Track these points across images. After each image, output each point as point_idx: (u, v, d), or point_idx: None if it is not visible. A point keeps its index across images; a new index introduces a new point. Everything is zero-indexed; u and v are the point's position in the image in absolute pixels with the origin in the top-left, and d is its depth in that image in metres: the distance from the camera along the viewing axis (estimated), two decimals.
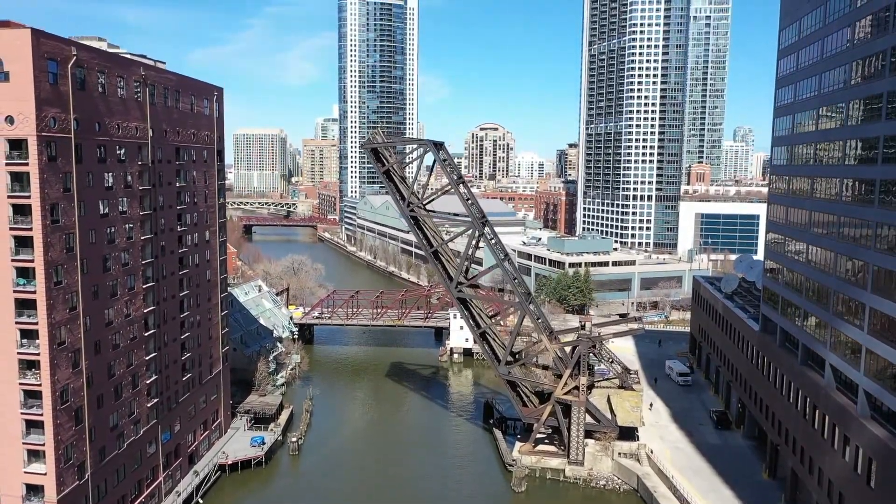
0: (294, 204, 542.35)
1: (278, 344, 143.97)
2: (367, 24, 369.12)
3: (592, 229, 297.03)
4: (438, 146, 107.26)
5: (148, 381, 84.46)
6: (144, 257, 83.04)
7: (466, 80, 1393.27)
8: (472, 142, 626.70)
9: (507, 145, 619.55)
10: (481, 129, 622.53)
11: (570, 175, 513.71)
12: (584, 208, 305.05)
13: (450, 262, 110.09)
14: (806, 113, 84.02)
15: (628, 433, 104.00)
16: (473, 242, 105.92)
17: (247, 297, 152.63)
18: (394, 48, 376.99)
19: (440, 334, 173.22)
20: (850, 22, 71.08)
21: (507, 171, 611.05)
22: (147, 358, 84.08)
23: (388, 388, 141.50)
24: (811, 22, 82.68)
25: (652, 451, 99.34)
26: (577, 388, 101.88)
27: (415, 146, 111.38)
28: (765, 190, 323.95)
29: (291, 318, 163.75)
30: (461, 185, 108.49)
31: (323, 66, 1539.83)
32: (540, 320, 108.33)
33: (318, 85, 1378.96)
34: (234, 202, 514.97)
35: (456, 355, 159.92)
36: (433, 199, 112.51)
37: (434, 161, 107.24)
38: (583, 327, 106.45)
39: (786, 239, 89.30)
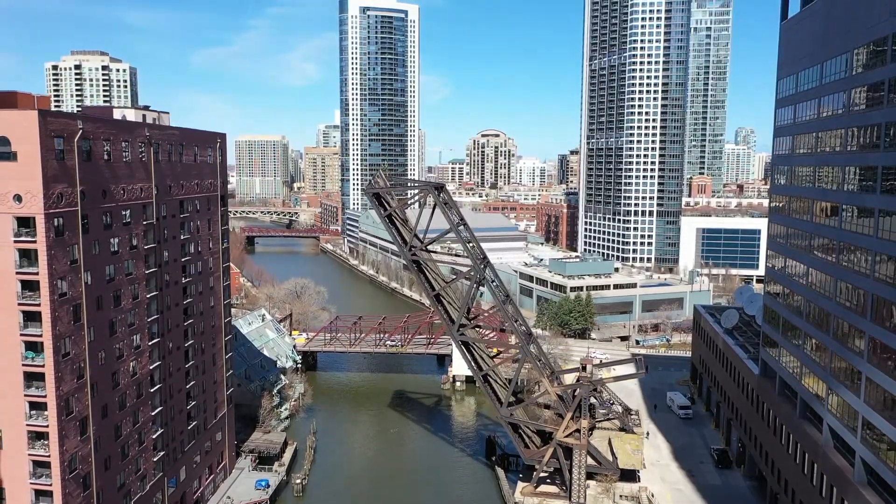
0: (296, 213, 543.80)
1: (282, 376, 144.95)
2: (369, 36, 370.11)
3: (594, 244, 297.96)
4: (439, 189, 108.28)
5: (154, 436, 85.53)
6: (150, 314, 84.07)
7: (468, 81, 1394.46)
8: (474, 148, 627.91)
9: (509, 152, 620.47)
10: (483, 135, 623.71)
11: (571, 182, 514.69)
12: (586, 223, 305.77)
13: (451, 305, 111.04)
14: (803, 169, 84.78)
15: (630, 474, 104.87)
16: (474, 287, 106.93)
17: (250, 327, 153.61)
18: (395, 60, 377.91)
19: (443, 359, 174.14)
20: (846, 88, 71.84)
21: (508, 177, 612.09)
22: (153, 413, 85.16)
23: (390, 419, 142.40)
24: (808, 78, 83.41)
25: (653, 495, 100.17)
26: (578, 430, 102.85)
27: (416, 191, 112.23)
28: (766, 202, 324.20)
29: (295, 346, 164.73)
30: (462, 227, 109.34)
31: (325, 67, 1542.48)
32: (541, 361, 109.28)
33: (319, 86, 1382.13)
34: (237, 211, 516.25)
35: (459, 383, 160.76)
36: (435, 241, 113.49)
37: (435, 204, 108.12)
38: (584, 368, 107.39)
39: (784, 289, 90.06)
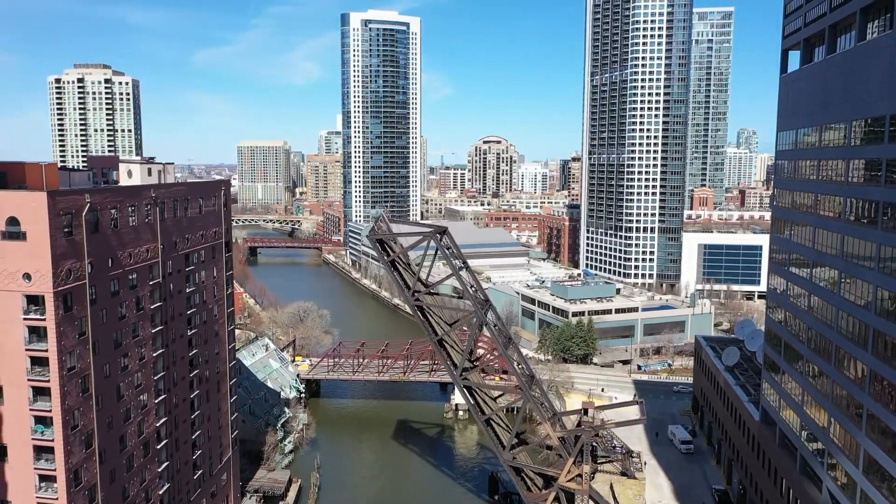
0: (298, 221, 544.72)
1: (286, 409, 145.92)
2: (371, 49, 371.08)
3: (596, 259, 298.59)
4: (441, 234, 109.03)
5: (161, 492, 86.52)
6: (157, 372, 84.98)
7: (470, 82, 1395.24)
8: (476, 155, 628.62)
9: (511, 158, 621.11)
10: (484, 142, 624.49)
11: (573, 188, 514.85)
12: (588, 238, 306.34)
13: (454, 349, 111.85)
14: (803, 228, 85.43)
15: None
16: (476, 331, 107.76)
17: (254, 358, 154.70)
18: (397, 73, 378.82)
19: (445, 386, 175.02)
20: (844, 157, 72.50)
21: (510, 184, 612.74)
22: (160, 469, 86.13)
23: (393, 452, 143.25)
24: (807, 137, 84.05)
25: None
26: (580, 475, 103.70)
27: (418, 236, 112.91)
28: (767, 214, 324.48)
29: (298, 375, 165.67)
30: (464, 270, 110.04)
31: (326, 65, 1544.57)
32: (543, 404, 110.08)
33: (321, 85, 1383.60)
34: (239, 219, 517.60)
35: (461, 412, 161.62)
36: (440, 282, 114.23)
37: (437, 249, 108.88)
38: (585, 412, 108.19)
39: (783, 342, 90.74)
